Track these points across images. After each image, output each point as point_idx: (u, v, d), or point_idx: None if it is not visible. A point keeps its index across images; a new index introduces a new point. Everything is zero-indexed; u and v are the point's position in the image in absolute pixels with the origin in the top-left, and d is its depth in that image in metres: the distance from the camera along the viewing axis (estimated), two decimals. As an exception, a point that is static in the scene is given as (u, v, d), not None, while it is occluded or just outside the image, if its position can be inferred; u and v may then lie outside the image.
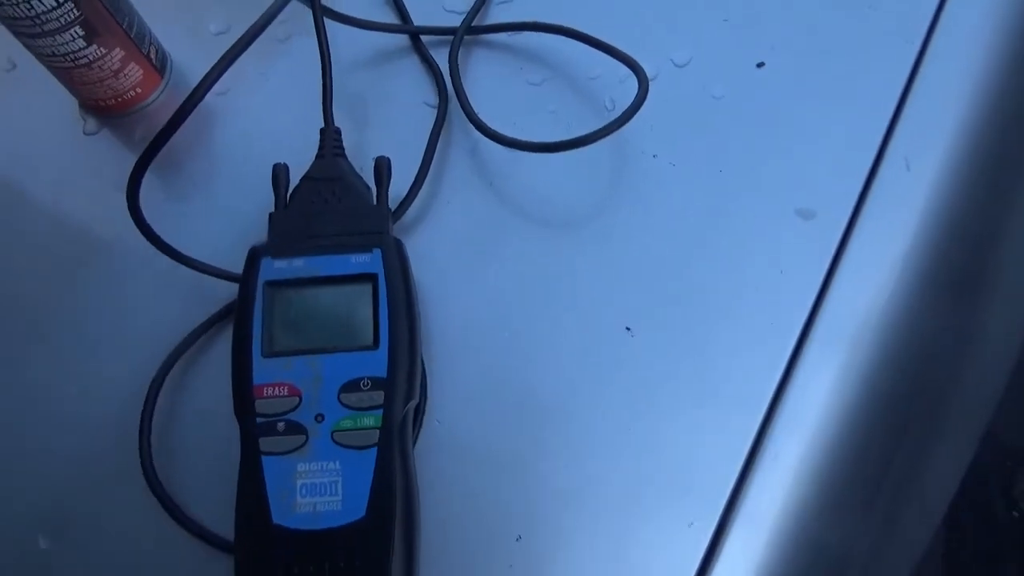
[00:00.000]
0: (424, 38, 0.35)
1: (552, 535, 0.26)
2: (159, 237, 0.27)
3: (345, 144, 0.31)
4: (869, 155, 0.32)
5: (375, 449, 0.25)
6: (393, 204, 0.30)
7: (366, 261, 0.27)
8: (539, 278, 0.30)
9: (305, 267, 0.27)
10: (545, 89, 0.34)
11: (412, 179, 0.32)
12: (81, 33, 0.30)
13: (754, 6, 0.35)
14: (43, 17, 0.29)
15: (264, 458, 0.25)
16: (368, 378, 0.25)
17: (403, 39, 0.36)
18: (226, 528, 0.25)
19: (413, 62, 0.35)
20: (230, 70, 0.25)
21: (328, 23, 0.33)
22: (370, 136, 0.33)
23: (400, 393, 0.25)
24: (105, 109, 0.34)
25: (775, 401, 0.28)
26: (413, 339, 0.27)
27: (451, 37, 0.35)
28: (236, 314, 0.27)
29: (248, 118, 0.35)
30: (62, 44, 0.30)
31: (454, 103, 0.34)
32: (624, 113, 0.30)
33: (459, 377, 0.29)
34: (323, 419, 0.25)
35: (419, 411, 0.28)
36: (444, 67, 0.34)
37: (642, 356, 0.29)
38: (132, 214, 0.26)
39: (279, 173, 0.30)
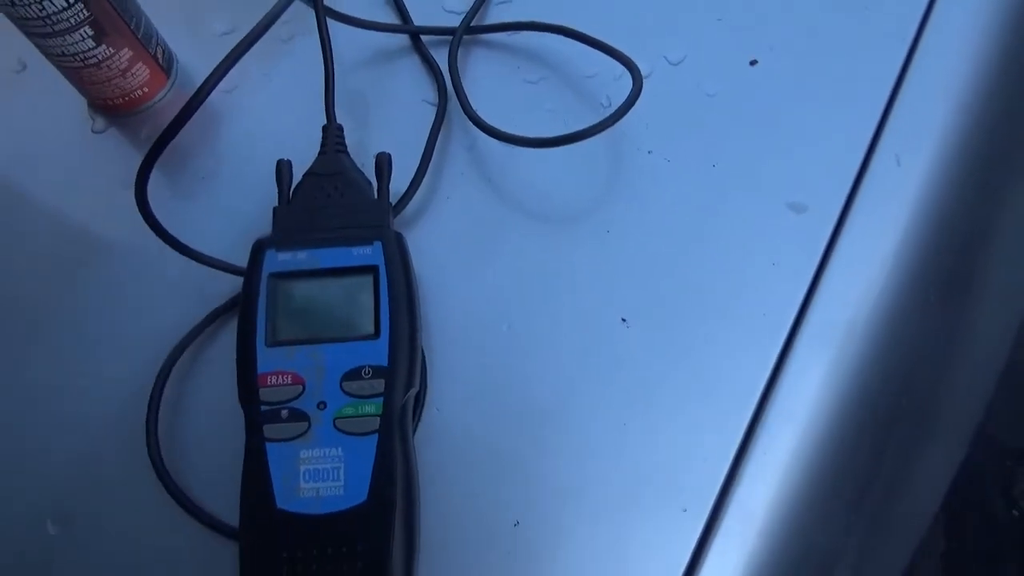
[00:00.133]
0: (424, 38, 0.36)
1: (549, 521, 0.27)
2: (167, 231, 0.28)
3: (347, 141, 0.32)
4: (860, 151, 0.32)
5: (376, 436, 0.25)
6: (394, 199, 0.31)
7: (367, 253, 0.28)
8: (536, 271, 0.31)
9: (308, 259, 0.28)
10: (542, 87, 0.35)
11: (412, 175, 0.32)
12: (90, 33, 0.31)
13: (747, 6, 0.36)
14: (54, 18, 0.29)
15: (268, 445, 0.25)
16: (369, 367, 0.26)
17: (403, 39, 0.37)
18: (231, 514, 0.26)
19: (413, 61, 0.36)
20: (235, 69, 0.26)
21: (330, 23, 0.34)
22: (371, 133, 0.34)
23: (400, 381, 0.26)
24: (113, 108, 0.35)
25: (767, 393, 0.28)
26: (413, 329, 0.27)
27: (450, 37, 0.35)
28: (241, 305, 0.27)
29: (252, 116, 0.35)
30: (72, 44, 0.31)
31: (453, 101, 0.34)
32: (618, 109, 0.30)
33: (458, 367, 0.29)
34: (325, 407, 0.26)
35: (419, 400, 0.29)
36: (444, 66, 0.35)
37: (637, 347, 0.29)
38: (140, 209, 0.27)
39: (282, 169, 0.30)
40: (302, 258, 0.28)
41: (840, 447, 0.29)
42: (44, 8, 0.29)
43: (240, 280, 0.29)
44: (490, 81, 0.35)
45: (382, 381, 0.26)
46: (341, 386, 0.26)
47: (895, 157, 0.33)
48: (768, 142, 0.33)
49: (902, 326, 0.31)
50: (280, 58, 0.36)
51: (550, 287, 0.31)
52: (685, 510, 0.27)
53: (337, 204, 0.29)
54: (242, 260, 0.29)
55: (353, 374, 0.26)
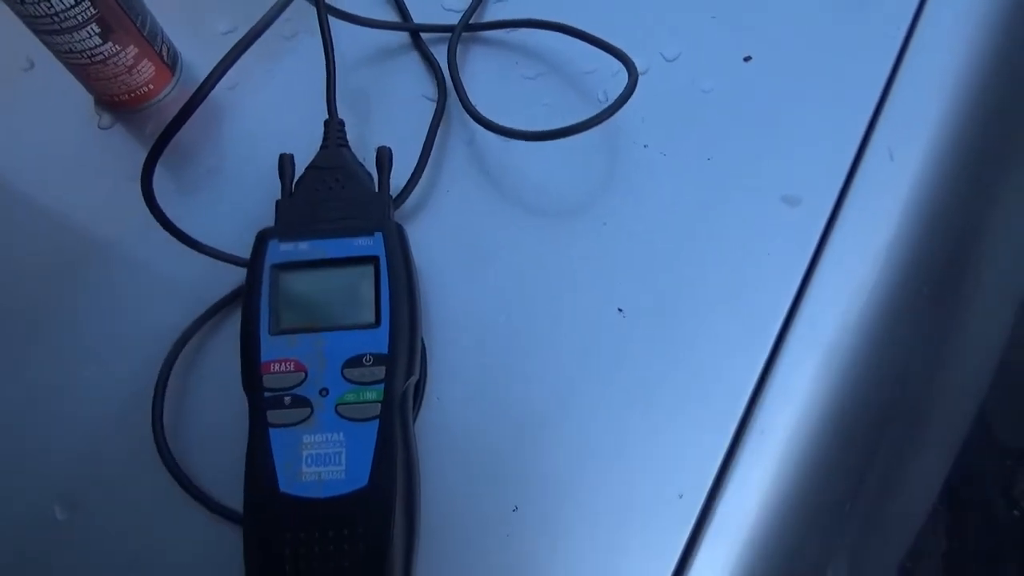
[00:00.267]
0: (424, 35, 0.37)
1: (547, 506, 0.27)
2: (172, 224, 0.28)
3: (348, 135, 0.32)
4: (853, 145, 0.33)
5: (377, 421, 0.26)
6: (394, 192, 0.32)
7: (368, 244, 0.28)
8: (534, 263, 0.31)
9: (310, 250, 0.28)
10: (540, 83, 0.36)
11: (412, 168, 0.33)
12: (97, 31, 0.31)
13: (741, 3, 0.37)
14: (62, 15, 0.30)
15: (271, 430, 0.26)
16: (370, 354, 0.27)
17: (403, 36, 0.37)
18: (236, 499, 0.26)
19: (413, 58, 0.37)
20: (237, 66, 0.26)
21: (332, 21, 0.34)
22: (372, 128, 0.35)
23: (401, 368, 0.27)
24: (119, 104, 0.35)
25: (761, 383, 0.29)
26: (413, 318, 0.28)
27: (449, 34, 0.36)
28: (244, 294, 0.28)
29: (255, 112, 0.36)
30: (79, 41, 0.31)
31: (452, 97, 0.35)
32: (614, 103, 0.31)
33: (457, 356, 0.30)
34: (327, 393, 0.26)
35: (419, 388, 0.29)
36: (443, 63, 0.36)
37: (634, 337, 0.30)
38: (147, 202, 0.27)
39: (285, 162, 0.31)
40: (304, 249, 0.28)
41: (834, 440, 0.29)
42: (52, 6, 0.30)
43: (243, 271, 0.30)
44: (488, 77, 0.36)
45: (383, 368, 0.26)
46: (343, 373, 0.26)
47: (888, 151, 0.33)
48: (762, 136, 0.33)
49: (895, 319, 0.31)
50: (282, 55, 0.37)
51: (547, 279, 0.31)
52: (681, 496, 0.27)
53: (339, 196, 0.30)
54: (245, 252, 0.29)
55: (354, 361, 0.27)
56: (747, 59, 0.35)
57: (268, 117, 0.36)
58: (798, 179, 0.32)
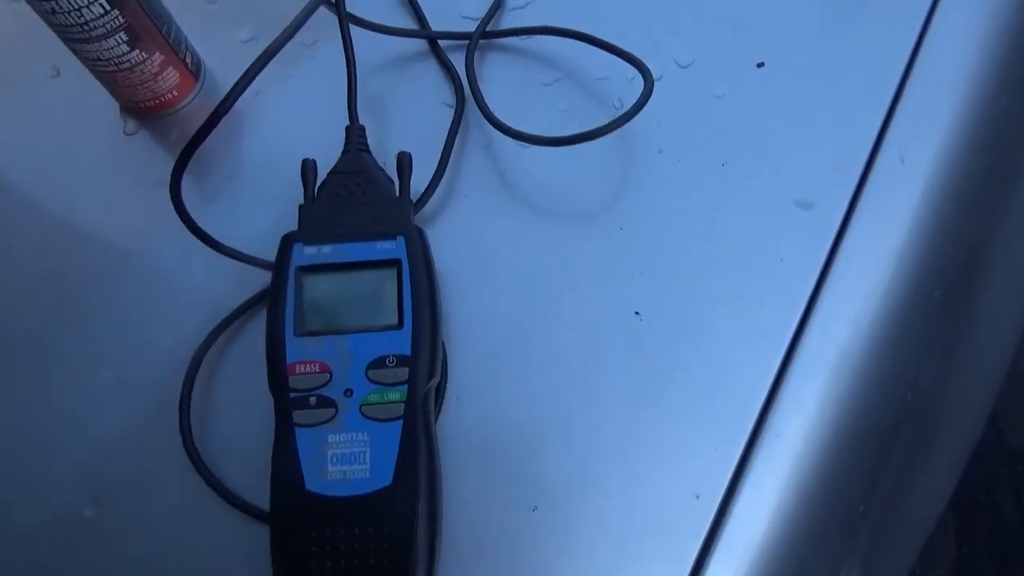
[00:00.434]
0: (441, 42, 0.37)
1: (565, 506, 0.28)
2: (200, 228, 0.29)
3: (369, 141, 0.33)
4: (865, 149, 0.33)
5: (400, 421, 0.26)
6: (414, 196, 0.32)
7: (391, 247, 0.29)
8: (552, 266, 0.32)
9: (334, 253, 0.29)
10: (556, 89, 0.36)
11: (432, 173, 0.33)
12: (125, 39, 0.32)
13: (753, 11, 0.37)
14: (91, 24, 0.31)
15: (297, 430, 0.26)
16: (393, 356, 0.27)
17: (422, 43, 0.38)
18: (262, 497, 0.27)
19: (431, 65, 0.37)
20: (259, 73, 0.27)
21: (352, 28, 0.35)
22: (392, 133, 0.35)
23: (423, 370, 0.27)
24: (144, 111, 0.36)
25: (776, 383, 0.29)
26: (435, 320, 0.28)
27: (467, 41, 0.37)
28: (270, 296, 0.29)
29: (276, 119, 0.36)
30: (107, 49, 0.32)
31: (470, 102, 0.35)
32: (630, 109, 0.31)
33: (476, 358, 0.30)
34: (352, 394, 0.27)
35: (439, 389, 0.30)
36: (461, 69, 0.36)
37: (650, 339, 0.30)
38: (175, 207, 0.28)
39: (307, 167, 0.32)
40: (328, 252, 0.29)
41: (847, 443, 0.30)
42: (83, 15, 0.30)
43: (264, 275, 0.30)
44: (505, 83, 0.36)
45: (406, 369, 0.27)
46: (367, 374, 0.27)
47: (899, 156, 0.33)
48: (775, 141, 0.34)
49: (907, 323, 0.32)
50: (302, 62, 0.38)
51: (565, 281, 0.32)
52: (698, 497, 0.28)
53: (360, 201, 0.31)
54: (266, 256, 0.30)
55: (378, 363, 0.27)
56: (760, 65, 0.36)
57: (288, 123, 0.36)
58: (811, 183, 0.33)
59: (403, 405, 0.27)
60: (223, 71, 0.38)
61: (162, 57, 0.34)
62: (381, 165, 0.33)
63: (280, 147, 0.35)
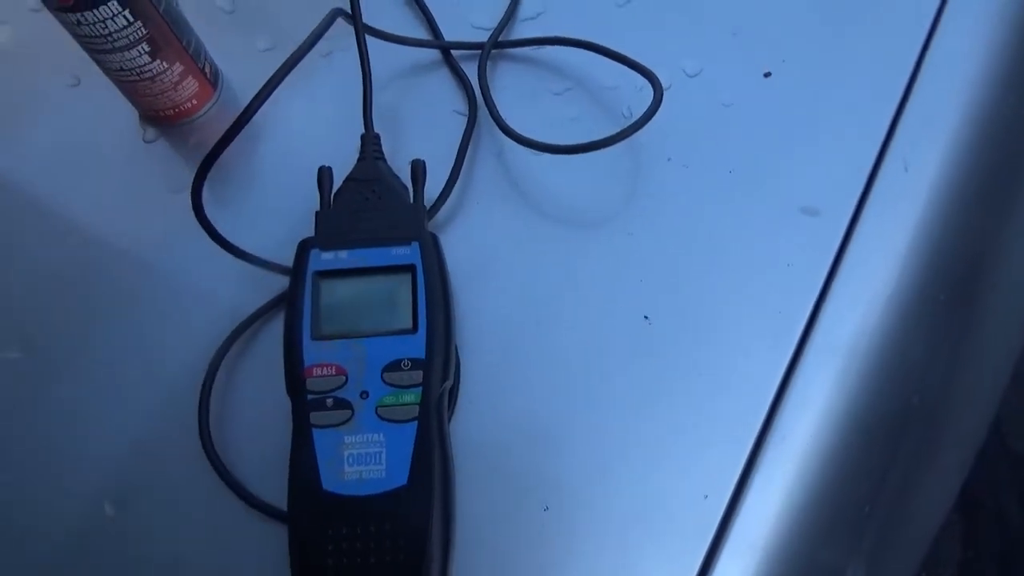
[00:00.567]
0: (454, 52, 0.38)
1: (576, 506, 0.28)
2: (219, 234, 0.30)
3: (383, 149, 0.34)
4: (871, 156, 0.34)
5: (415, 423, 0.27)
6: (428, 203, 0.33)
7: (405, 253, 0.30)
8: (563, 272, 0.33)
9: (350, 259, 0.30)
10: (567, 98, 0.37)
11: (445, 180, 0.34)
12: (147, 49, 0.33)
13: (761, 21, 0.38)
14: (115, 35, 0.32)
15: (314, 431, 0.27)
16: (408, 359, 0.28)
17: (435, 53, 0.39)
18: (279, 497, 0.27)
19: (444, 74, 0.38)
20: (277, 83, 0.28)
21: (367, 39, 0.36)
22: (406, 141, 0.36)
23: (437, 372, 0.28)
24: (164, 119, 0.37)
25: (783, 386, 0.30)
26: (449, 324, 0.29)
27: (479, 51, 0.37)
28: (287, 301, 0.29)
29: (293, 126, 0.37)
30: (129, 59, 0.33)
31: (482, 111, 0.36)
32: (640, 118, 0.32)
33: (488, 362, 0.31)
34: (368, 396, 0.27)
35: (453, 393, 0.30)
36: (473, 79, 0.37)
37: (659, 342, 0.31)
38: (196, 213, 0.29)
39: (324, 174, 0.32)
40: (344, 257, 0.30)
41: (853, 445, 0.30)
42: (107, 26, 0.31)
43: (285, 280, 0.31)
44: (517, 92, 0.37)
45: (420, 372, 0.28)
46: (382, 377, 0.28)
47: (903, 162, 0.34)
48: (782, 149, 0.34)
49: (912, 327, 0.32)
50: (318, 72, 0.38)
51: (575, 287, 0.32)
52: (706, 497, 0.28)
53: (376, 207, 0.31)
54: (284, 262, 0.31)
55: (393, 366, 0.28)
56: (767, 75, 0.36)
57: (304, 132, 0.37)
58: (817, 190, 0.33)
59: (418, 407, 0.27)
60: (241, 80, 0.39)
61: (182, 67, 0.35)
62: (396, 172, 0.33)
63: (296, 155, 0.36)
